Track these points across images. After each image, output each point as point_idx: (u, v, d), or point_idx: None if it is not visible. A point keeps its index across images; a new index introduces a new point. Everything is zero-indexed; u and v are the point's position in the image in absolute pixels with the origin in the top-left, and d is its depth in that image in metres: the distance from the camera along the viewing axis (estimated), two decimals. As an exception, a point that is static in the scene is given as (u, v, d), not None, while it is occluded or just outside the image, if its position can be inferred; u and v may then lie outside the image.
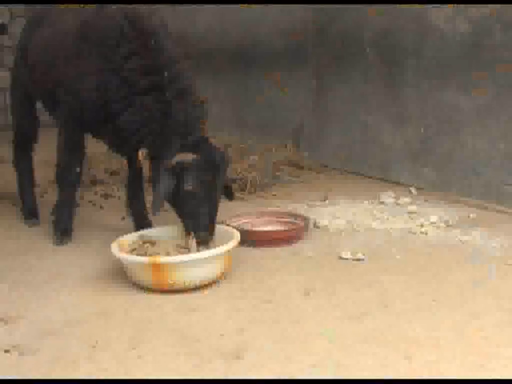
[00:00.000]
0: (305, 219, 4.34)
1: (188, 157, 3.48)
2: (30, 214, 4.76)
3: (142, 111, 3.68)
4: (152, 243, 3.63)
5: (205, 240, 3.51)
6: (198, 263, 3.31)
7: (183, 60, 3.87)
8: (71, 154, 4.14)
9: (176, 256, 3.42)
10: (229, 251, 3.45)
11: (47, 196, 5.24)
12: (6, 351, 2.76)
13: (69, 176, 4.15)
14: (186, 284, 3.33)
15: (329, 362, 2.57)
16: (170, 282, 3.31)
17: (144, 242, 3.64)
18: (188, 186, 3.48)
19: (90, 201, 5.30)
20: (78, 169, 4.14)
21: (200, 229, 3.53)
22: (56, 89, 4.08)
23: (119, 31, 3.79)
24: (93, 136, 4.20)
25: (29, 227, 4.63)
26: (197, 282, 3.36)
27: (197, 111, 3.75)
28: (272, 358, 2.62)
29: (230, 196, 3.95)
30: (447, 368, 2.50)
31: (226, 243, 3.44)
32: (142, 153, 3.74)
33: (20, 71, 4.67)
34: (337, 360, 2.58)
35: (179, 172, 3.49)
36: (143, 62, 3.72)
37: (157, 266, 3.28)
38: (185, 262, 3.30)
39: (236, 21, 7.61)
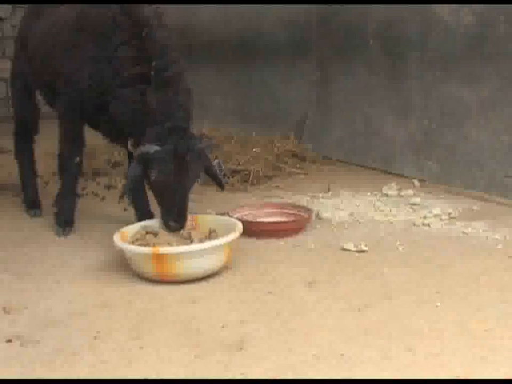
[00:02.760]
0: (308, 211, 4.33)
1: (151, 148, 3.49)
2: (32, 205, 4.75)
3: (127, 101, 3.70)
4: (154, 234, 3.62)
5: (174, 230, 3.55)
6: (200, 254, 3.31)
7: (175, 50, 3.86)
8: (71, 145, 4.15)
9: (178, 246, 3.41)
10: (231, 242, 3.44)
11: (49, 187, 5.23)
12: (8, 341, 2.76)
13: (70, 166, 4.14)
14: (189, 274, 3.33)
15: (331, 354, 2.56)
16: (172, 273, 3.31)
17: (146, 233, 3.63)
18: (152, 176, 3.53)
19: (92, 192, 5.29)
20: (78, 160, 4.14)
21: (170, 218, 3.57)
22: (55, 80, 4.08)
23: (113, 21, 3.80)
24: (92, 128, 4.20)
25: (31, 218, 4.62)
26: (200, 273, 3.36)
27: (179, 100, 3.72)
28: (274, 350, 2.62)
29: (221, 186, 3.92)
30: (450, 361, 2.49)
31: (229, 234, 3.44)
32: (130, 143, 3.77)
33: (19, 62, 4.66)
34: (340, 352, 2.57)
35: (146, 162, 3.53)
36: (132, 53, 3.73)
37: (159, 257, 3.28)
38: (187, 252, 3.30)
39: (239, 13, 7.57)
